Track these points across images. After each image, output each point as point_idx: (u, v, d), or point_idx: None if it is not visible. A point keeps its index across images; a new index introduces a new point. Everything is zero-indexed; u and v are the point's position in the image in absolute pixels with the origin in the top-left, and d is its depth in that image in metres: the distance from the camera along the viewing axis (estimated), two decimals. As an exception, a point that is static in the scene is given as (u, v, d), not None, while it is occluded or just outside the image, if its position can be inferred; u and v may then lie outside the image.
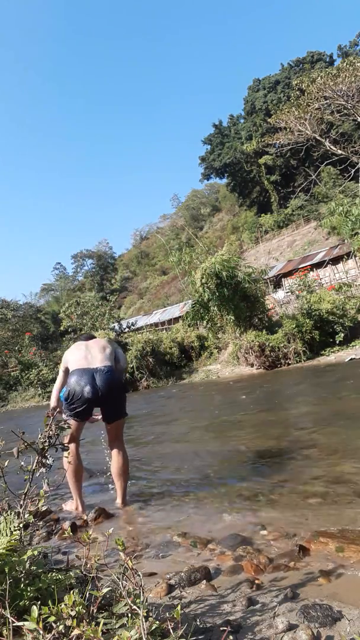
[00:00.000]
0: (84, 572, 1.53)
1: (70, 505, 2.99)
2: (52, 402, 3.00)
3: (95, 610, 1.23)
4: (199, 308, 13.73)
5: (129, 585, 1.27)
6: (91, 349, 2.96)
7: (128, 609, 1.19)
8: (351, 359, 10.52)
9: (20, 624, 1.08)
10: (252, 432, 4.92)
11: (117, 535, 2.31)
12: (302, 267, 23.45)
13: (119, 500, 2.94)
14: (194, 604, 1.59)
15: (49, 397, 17.36)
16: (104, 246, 77.34)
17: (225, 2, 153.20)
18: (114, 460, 2.97)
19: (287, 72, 47.56)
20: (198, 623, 1.40)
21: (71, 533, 2.40)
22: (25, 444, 1.73)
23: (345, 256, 25.35)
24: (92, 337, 3.33)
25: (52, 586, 1.35)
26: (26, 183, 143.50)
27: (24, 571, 1.39)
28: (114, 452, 2.98)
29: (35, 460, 1.76)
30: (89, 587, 1.31)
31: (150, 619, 1.13)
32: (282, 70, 48.84)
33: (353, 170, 25.44)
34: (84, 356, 2.88)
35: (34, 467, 1.73)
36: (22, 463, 1.69)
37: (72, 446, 2.72)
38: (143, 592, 1.22)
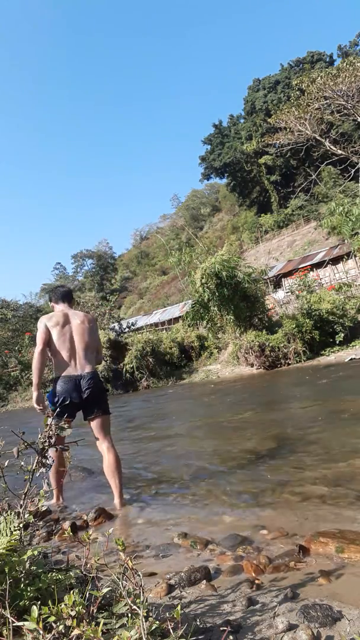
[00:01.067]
0: (84, 572, 1.53)
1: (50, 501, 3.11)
2: (35, 384, 3.01)
3: (95, 610, 1.23)
4: (199, 308, 13.74)
5: (129, 585, 1.27)
6: (77, 347, 3.02)
7: (128, 609, 1.19)
8: (351, 359, 10.52)
9: (20, 624, 1.08)
10: (252, 432, 4.92)
11: (117, 536, 2.31)
12: (302, 267, 23.46)
13: (116, 500, 2.94)
14: (194, 604, 1.59)
15: (49, 397, 17.43)
16: (104, 246, 77.40)
17: (226, 2, 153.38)
18: (105, 458, 3.00)
19: (287, 72, 47.55)
20: (198, 623, 1.40)
21: (71, 533, 2.40)
22: (25, 444, 1.73)
23: (345, 256, 25.36)
24: (70, 295, 3.33)
25: (52, 586, 1.35)
26: (26, 183, 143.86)
27: (24, 571, 1.39)
28: (104, 450, 3.02)
29: (35, 460, 1.76)
30: (89, 587, 1.31)
31: (150, 619, 1.13)
32: (282, 70, 48.82)
33: (353, 170, 25.44)
34: (68, 357, 2.97)
35: (34, 467, 1.73)
36: (22, 463, 1.69)
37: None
38: (143, 592, 1.22)
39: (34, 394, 3.01)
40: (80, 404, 2.94)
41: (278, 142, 28.06)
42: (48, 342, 3.02)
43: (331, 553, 1.86)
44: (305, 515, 2.33)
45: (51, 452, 2.47)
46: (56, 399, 2.90)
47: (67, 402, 2.87)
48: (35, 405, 2.99)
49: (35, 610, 1.06)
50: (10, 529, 1.49)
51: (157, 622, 1.14)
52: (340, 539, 1.93)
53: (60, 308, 3.25)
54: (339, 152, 26.49)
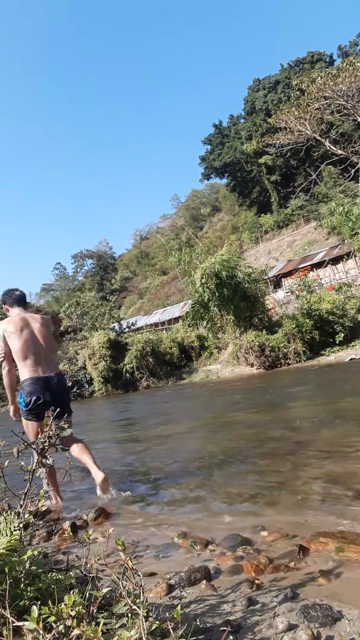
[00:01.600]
0: (84, 572, 1.53)
1: (49, 502, 3.12)
2: (11, 400, 3.15)
3: (95, 610, 1.23)
4: (199, 308, 13.75)
5: (129, 585, 1.27)
6: (43, 351, 3.09)
7: (128, 609, 1.19)
8: (351, 359, 10.53)
9: (20, 624, 1.08)
10: (252, 432, 4.92)
11: (116, 536, 2.31)
12: (302, 267, 23.47)
13: (95, 470, 2.96)
14: (194, 604, 1.59)
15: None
16: (104, 246, 77.42)
17: (226, 2, 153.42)
18: (73, 447, 3.02)
19: (287, 72, 47.55)
20: (198, 623, 1.40)
21: (71, 533, 2.40)
22: (25, 444, 1.73)
23: (345, 256, 25.36)
24: (24, 299, 3.34)
25: (52, 586, 1.35)
26: (26, 183, 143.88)
27: (24, 571, 1.39)
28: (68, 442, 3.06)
29: (35, 460, 1.76)
30: (89, 587, 1.31)
31: (150, 619, 1.13)
32: (282, 70, 48.82)
33: (353, 170, 25.44)
34: (35, 361, 3.03)
35: (34, 467, 1.73)
36: (22, 463, 1.69)
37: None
38: (143, 592, 1.22)
39: (11, 408, 3.13)
40: (50, 403, 2.99)
41: (278, 142, 28.06)
42: (11, 352, 3.08)
43: (331, 553, 1.86)
44: (305, 515, 2.33)
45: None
46: (29, 399, 2.96)
47: (41, 401, 2.93)
48: (13, 417, 3.14)
49: (35, 610, 1.06)
50: (10, 529, 1.49)
51: (157, 622, 1.14)
52: (340, 539, 1.93)
53: (15, 312, 3.28)
54: (339, 152, 26.48)
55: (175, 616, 1.13)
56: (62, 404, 3.05)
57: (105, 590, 1.26)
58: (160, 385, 15.28)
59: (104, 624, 1.14)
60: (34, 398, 2.93)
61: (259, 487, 2.88)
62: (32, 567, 1.42)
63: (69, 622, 1.09)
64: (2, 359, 3.07)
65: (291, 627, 1.34)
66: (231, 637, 1.28)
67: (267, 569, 1.81)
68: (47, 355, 3.12)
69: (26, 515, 1.58)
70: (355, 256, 23.74)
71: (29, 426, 2.98)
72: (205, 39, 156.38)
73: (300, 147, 28.42)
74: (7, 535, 1.46)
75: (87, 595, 1.26)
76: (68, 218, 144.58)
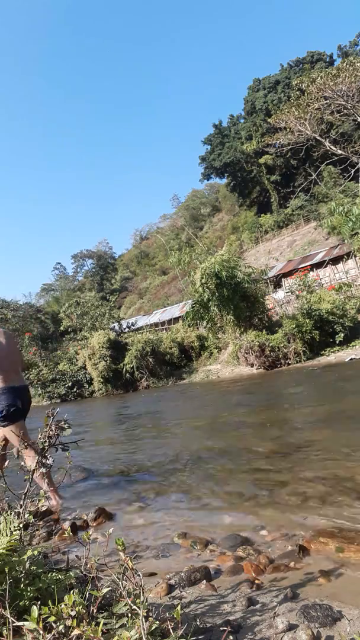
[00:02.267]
0: (84, 572, 1.53)
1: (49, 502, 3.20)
2: None
3: (95, 610, 1.23)
4: (199, 308, 13.76)
5: (129, 585, 1.27)
6: (14, 364, 3.31)
7: (128, 609, 1.19)
8: (351, 359, 10.53)
9: (20, 624, 1.08)
10: (252, 432, 4.92)
11: (117, 536, 2.31)
12: (302, 267, 23.49)
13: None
14: (194, 604, 1.59)
15: (49, 397, 17.37)
16: (104, 246, 77.42)
17: (226, 2, 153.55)
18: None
19: (287, 72, 47.54)
20: (198, 623, 1.40)
21: (71, 533, 2.40)
22: (25, 444, 1.73)
23: (345, 256, 25.34)
24: None
25: (52, 586, 1.35)
26: (26, 183, 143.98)
27: (24, 571, 1.39)
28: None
29: (35, 460, 1.76)
30: (89, 587, 1.31)
31: (150, 619, 1.13)
32: (282, 70, 48.82)
33: (353, 170, 25.45)
34: (9, 372, 3.23)
35: (34, 467, 1.73)
36: (22, 463, 1.69)
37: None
38: (143, 592, 1.22)
39: None
40: (21, 410, 3.22)
41: (278, 142, 28.09)
42: None
43: (331, 553, 1.86)
44: (305, 515, 2.33)
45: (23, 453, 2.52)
46: (2, 406, 3.12)
47: (15, 408, 3.13)
48: None
49: (35, 610, 1.06)
50: (10, 529, 1.49)
51: (157, 622, 1.14)
52: (340, 539, 1.94)
53: None
54: (339, 152, 26.50)
55: (175, 616, 1.13)
56: (26, 410, 3.34)
57: (105, 590, 1.26)
58: (160, 385, 15.28)
59: (104, 624, 1.14)
60: (7, 404, 3.11)
61: (259, 487, 2.88)
62: (32, 567, 1.42)
63: (69, 622, 1.09)
64: None
65: (291, 627, 1.34)
66: (231, 637, 1.28)
67: (267, 569, 1.81)
68: (17, 368, 3.36)
69: (26, 515, 1.58)
70: (355, 256, 23.74)
71: (6, 430, 3.13)
72: (205, 39, 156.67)
73: (300, 147, 28.41)
74: (7, 535, 1.46)
75: (87, 595, 1.26)
76: (68, 218, 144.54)
